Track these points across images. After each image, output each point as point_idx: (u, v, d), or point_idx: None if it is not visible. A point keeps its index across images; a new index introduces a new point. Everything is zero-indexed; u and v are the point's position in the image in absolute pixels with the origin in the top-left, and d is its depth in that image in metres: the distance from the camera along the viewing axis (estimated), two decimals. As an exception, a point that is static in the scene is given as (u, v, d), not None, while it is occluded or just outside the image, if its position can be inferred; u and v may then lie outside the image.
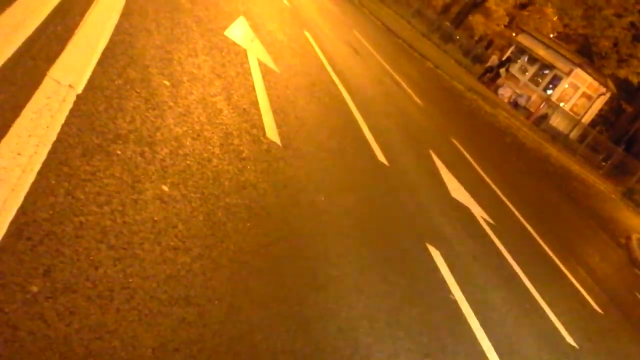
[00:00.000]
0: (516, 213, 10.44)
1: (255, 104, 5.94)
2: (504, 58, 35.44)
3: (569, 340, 6.48)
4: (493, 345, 4.94)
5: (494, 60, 34.51)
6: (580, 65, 33.68)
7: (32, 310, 2.25)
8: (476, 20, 49.19)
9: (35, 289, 2.33)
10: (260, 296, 3.35)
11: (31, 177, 2.79)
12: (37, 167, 2.88)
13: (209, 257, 3.28)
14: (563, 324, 6.76)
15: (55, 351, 2.18)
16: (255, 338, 3.01)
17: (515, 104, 33.12)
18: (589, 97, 35.33)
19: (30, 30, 3.97)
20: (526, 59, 35.46)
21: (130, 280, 2.71)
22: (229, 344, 2.83)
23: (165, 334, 2.60)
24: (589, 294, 8.92)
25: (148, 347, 2.48)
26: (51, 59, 3.86)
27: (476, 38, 51.50)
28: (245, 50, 7.35)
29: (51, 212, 2.70)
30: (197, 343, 2.69)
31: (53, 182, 2.88)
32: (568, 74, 33.74)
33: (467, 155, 12.03)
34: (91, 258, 2.64)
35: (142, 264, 2.85)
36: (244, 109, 5.64)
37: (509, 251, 7.80)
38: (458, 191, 8.60)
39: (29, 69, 3.59)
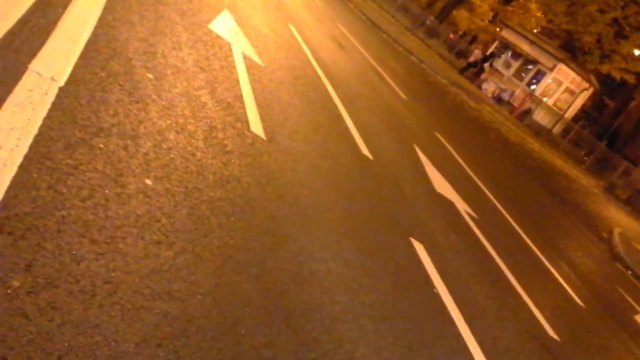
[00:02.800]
0: (500, 207, 10.49)
1: (239, 97, 5.92)
2: (488, 53, 35.56)
3: (551, 333, 6.53)
4: (476, 338, 4.97)
5: (477, 54, 34.61)
6: (563, 61, 33.85)
7: (13, 305, 2.23)
8: (460, 15, 49.33)
9: (16, 283, 2.31)
10: (244, 291, 3.34)
11: (12, 171, 2.76)
12: (19, 160, 2.85)
13: (192, 251, 3.27)
14: (545, 317, 6.82)
15: (36, 347, 2.16)
16: (239, 332, 3.00)
17: (498, 99, 33.25)
18: (572, 92, 35.55)
19: (12, 22, 3.93)
20: (510, 54, 35.60)
21: (113, 274, 2.69)
22: (212, 339, 2.82)
23: (148, 329, 2.59)
24: (571, 287, 9.00)
25: (131, 342, 2.47)
26: (33, 52, 3.82)
27: (460, 33, 51.60)
28: (229, 44, 7.32)
29: (33, 206, 2.68)
30: (180, 338, 2.68)
31: (35, 175, 2.85)
32: (551, 69, 33.92)
33: (451, 150, 12.08)
34: (73, 252, 2.62)
35: (125, 258, 2.83)
36: (228, 102, 5.61)
37: (493, 245, 7.84)
38: (442, 186, 8.63)
39: (10, 62, 3.55)
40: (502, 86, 33.80)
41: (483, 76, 33.74)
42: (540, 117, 33.65)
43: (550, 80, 34.38)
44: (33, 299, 2.30)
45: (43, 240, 2.56)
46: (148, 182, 3.52)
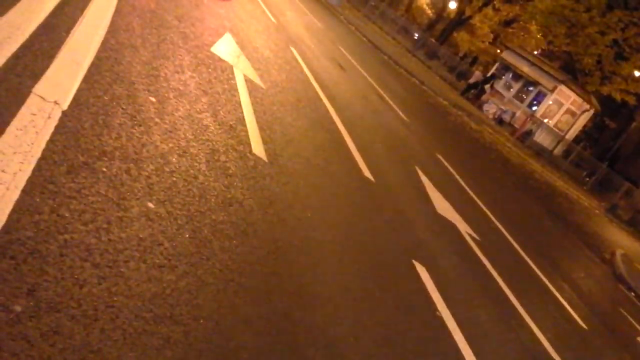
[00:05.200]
0: (501, 228, 10.47)
1: (241, 120, 5.94)
2: (488, 74, 35.70)
3: (554, 356, 6.49)
4: (479, 362, 4.94)
5: (477, 76, 34.78)
6: (564, 82, 33.96)
7: (16, 330, 2.22)
8: (461, 37, 49.59)
9: (18, 308, 2.30)
10: (246, 314, 3.33)
11: (15, 195, 2.77)
12: (22, 184, 2.85)
13: (194, 275, 3.26)
14: (548, 339, 6.77)
15: (38, 372, 2.15)
16: (242, 356, 2.99)
17: (499, 120, 33.32)
18: (572, 114, 35.62)
19: (16, 46, 3.96)
20: (511, 75, 35.72)
21: (115, 299, 2.69)
22: (214, 363, 2.81)
23: (150, 353, 2.58)
24: (573, 309, 8.95)
25: (133, 367, 2.46)
26: (37, 75, 3.84)
27: (461, 54, 51.85)
28: (231, 67, 7.36)
29: (35, 230, 2.68)
30: (183, 362, 2.67)
31: (37, 199, 2.86)
32: (552, 90, 34.01)
33: (453, 171, 12.08)
34: (76, 277, 2.62)
35: (127, 282, 2.82)
36: (231, 125, 5.63)
37: (494, 267, 7.82)
38: (443, 207, 8.62)
39: (14, 85, 3.57)
40: (503, 107, 33.88)
41: (484, 97, 33.83)
42: (541, 138, 33.68)
43: (551, 102, 34.47)
44: (35, 323, 2.30)
45: (45, 264, 2.56)
46: (150, 205, 3.53)
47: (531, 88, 34.95)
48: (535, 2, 37.67)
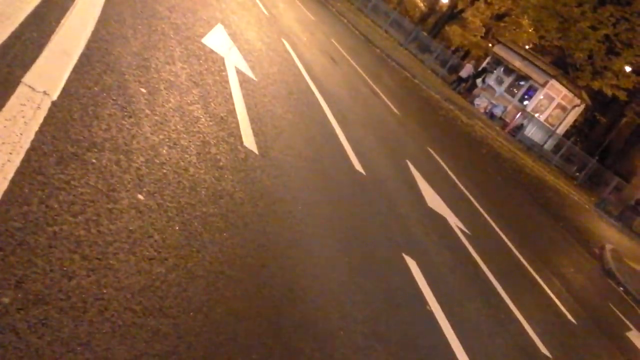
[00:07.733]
0: (491, 223, 10.50)
1: (232, 112, 5.92)
2: (480, 69, 35.75)
3: (544, 350, 6.52)
4: (468, 355, 4.95)
5: (468, 69, 34.81)
6: (555, 77, 34.01)
7: (3, 322, 2.20)
8: (453, 30, 49.60)
9: (6, 300, 2.28)
10: (236, 307, 3.32)
11: (4, 186, 2.74)
12: (10, 175, 2.83)
13: (184, 267, 3.25)
14: (537, 334, 6.80)
15: (26, 364, 2.13)
16: (231, 350, 2.98)
17: (491, 115, 33.37)
18: (563, 109, 35.71)
19: (5, 35, 3.92)
20: (502, 70, 35.74)
21: (104, 291, 2.67)
22: (204, 356, 2.79)
23: (139, 346, 2.56)
24: (563, 304, 8.99)
25: (121, 359, 2.45)
26: (26, 65, 3.80)
27: (453, 48, 51.85)
28: (222, 58, 7.33)
29: (24, 222, 2.66)
30: (172, 355, 2.65)
31: (26, 190, 2.83)
32: (543, 85, 34.07)
33: (444, 165, 12.09)
34: (64, 268, 2.60)
35: (116, 274, 2.81)
36: (222, 117, 5.61)
37: (485, 261, 7.84)
38: (434, 201, 8.63)
39: (3, 75, 3.53)
40: (494, 102, 33.94)
41: (475, 92, 33.89)
42: (532, 133, 33.77)
43: (542, 97, 34.53)
44: (23, 315, 2.28)
45: (34, 256, 2.54)
46: (140, 197, 3.51)
47: (522, 82, 35.00)
48: (528, -4, 37.71)
